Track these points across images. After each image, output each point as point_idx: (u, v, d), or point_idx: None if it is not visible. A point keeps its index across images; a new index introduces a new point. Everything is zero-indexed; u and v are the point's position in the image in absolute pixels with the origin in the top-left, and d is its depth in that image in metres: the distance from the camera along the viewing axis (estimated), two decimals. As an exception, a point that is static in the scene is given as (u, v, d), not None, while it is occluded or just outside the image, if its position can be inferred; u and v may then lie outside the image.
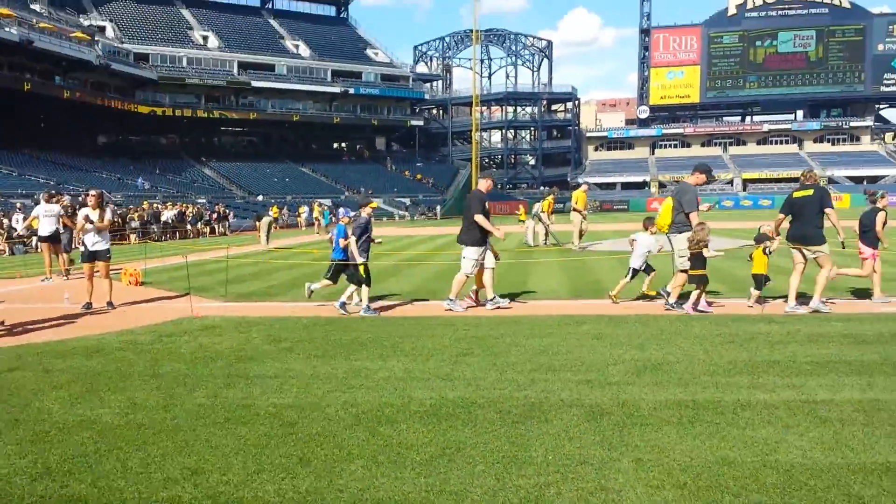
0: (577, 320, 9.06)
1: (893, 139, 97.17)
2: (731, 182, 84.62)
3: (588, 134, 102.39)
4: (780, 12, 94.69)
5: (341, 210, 15.13)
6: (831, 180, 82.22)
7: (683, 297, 9.87)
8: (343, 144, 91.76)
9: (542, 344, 7.65)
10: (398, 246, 25.06)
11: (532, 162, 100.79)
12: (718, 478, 4.05)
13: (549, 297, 11.40)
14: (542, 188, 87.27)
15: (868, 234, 10.25)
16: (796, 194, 9.46)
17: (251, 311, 10.43)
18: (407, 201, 71.55)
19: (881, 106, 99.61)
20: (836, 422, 4.94)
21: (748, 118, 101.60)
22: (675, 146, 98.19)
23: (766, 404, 5.37)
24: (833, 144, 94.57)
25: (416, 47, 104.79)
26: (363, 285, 9.93)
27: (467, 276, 10.10)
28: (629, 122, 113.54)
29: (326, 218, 36.84)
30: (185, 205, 43.00)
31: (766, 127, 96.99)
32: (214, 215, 42.81)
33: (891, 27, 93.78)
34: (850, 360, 6.65)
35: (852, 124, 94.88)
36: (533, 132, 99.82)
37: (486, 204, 10.07)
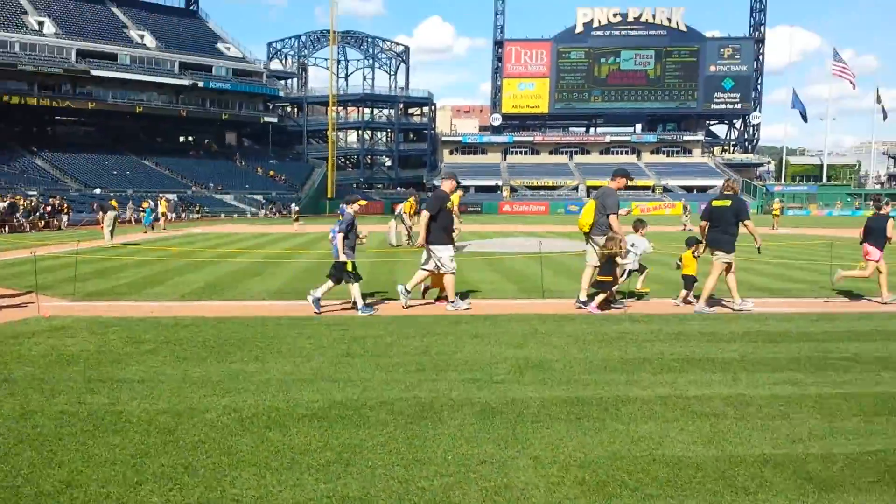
0: (453, 320, 9.11)
1: (721, 152, 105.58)
2: (576, 188, 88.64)
3: (443, 138, 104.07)
4: (622, 32, 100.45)
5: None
6: (666, 189, 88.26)
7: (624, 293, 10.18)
8: (191, 138, 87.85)
9: (422, 344, 7.60)
10: (256, 244, 24.26)
11: (388, 163, 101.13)
12: (613, 473, 4.16)
13: (420, 297, 11.39)
14: (399, 189, 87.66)
15: (877, 238, 10.91)
16: (715, 203, 10.04)
17: (104, 311, 9.68)
18: (260, 198, 69.55)
19: (711, 122, 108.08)
20: (710, 416, 5.22)
21: (592, 129, 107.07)
22: (526, 153, 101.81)
23: (644, 400, 5.60)
24: (668, 156, 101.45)
25: (270, 44, 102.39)
26: (353, 283, 9.58)
27: (453, 272, 10.11)
28: (483, 128, 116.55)
29: (148, 217, 34.58)
30: (17, 196, 39.51)
31: (608, 138, 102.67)
32: (49, 208, 39.61)
33: (722, 50, 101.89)
34: (713, 357, 7.09)
35: (685, 138, 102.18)
36: (389, 134, 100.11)
37: (448, 206, 10.15)
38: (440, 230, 9.98)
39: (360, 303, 9.57)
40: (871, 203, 12.63)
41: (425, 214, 9.97)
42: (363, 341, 7.74)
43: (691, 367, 6.64)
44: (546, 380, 6.18)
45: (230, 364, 6.66)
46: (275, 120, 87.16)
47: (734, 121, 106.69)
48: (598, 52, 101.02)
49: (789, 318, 9.45)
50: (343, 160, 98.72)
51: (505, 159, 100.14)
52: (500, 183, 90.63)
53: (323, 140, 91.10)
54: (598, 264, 9.92)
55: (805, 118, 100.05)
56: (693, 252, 10.65)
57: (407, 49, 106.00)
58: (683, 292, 10.67)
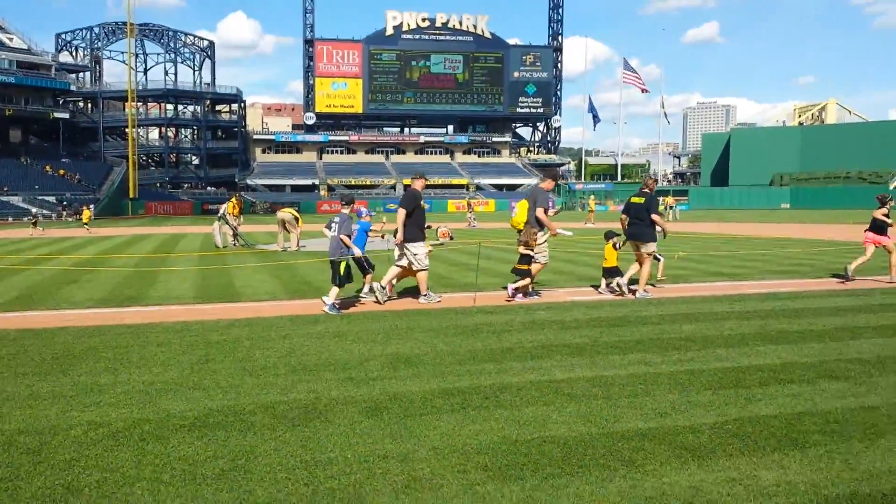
0: (311, 320, 8.93)
1: (527, 153, 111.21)
2: (393, 187, 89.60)
3: (255, 136, 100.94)
4: (431, 37, 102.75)
5: (363, 209, 14.44)
6: (479, 188, 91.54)
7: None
8: (-31, 135, 78.74)
9: (285, 345, 7.40)
10: (62, 248, 22.24)
11: (196, 161, 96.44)
12: (511, 456, 4.32)
13: (265, 298, 11.05)
14: (209, 189, 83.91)
15: (882, 227, 12.92)
16: (632, 199, 11.10)
17: None
18: (53, 199, 63.76)
19: (517, 124, 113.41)
20: (581, 398, 5.54)
21: (407, 130, 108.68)
22: (342, 152, 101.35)
23: (519, 386, 5.83)
24: (479, 156, 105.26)
25: (59, 35, 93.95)
26: (337, 285, 9.60)
27: (427, 268, 10.47)
28: (296, 127, 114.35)
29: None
30: None
31: (422, 139, 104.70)
32: None
33: (524, 57, 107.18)
34: (567, 343, 7.52)
35: (494, 139, 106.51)
36: (196, 132, 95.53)
37: (421, 203, 10.46)
38: (415, 227, 10.28)
39: (329, 300, 9.54)
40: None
41: (402, 212, 10.19)
42: (221, 346, 7.39)
43: (551, 354, 7.00)
44: (421, 374, 6.25)
45: (78, 377, 6.11)
46: (66, 116, 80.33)
47: (538, 124, 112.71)
48: (409, 55, 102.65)
49: (623, 303, 10.21)
50: (145, 158, 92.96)
51: (321, 158, 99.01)
52: (316, 182, 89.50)
53: (122, 137, 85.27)
54: (529, 254, 10.66)
55: (595, 123, 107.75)
56: (614, 245, 11.38)
57: (212, 44, 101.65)
58: (604, 280, 11.46)
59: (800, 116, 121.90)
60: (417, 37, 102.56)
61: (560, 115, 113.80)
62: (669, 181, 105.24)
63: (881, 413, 5.06)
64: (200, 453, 4.35)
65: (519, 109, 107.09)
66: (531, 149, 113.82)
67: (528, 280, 10.63)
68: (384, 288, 10.29)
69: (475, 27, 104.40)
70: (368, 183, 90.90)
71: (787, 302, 10.32)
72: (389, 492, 3.82)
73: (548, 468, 4.14)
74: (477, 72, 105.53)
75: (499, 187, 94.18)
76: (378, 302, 10.19)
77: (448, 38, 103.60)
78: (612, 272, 11.36)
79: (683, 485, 3.90)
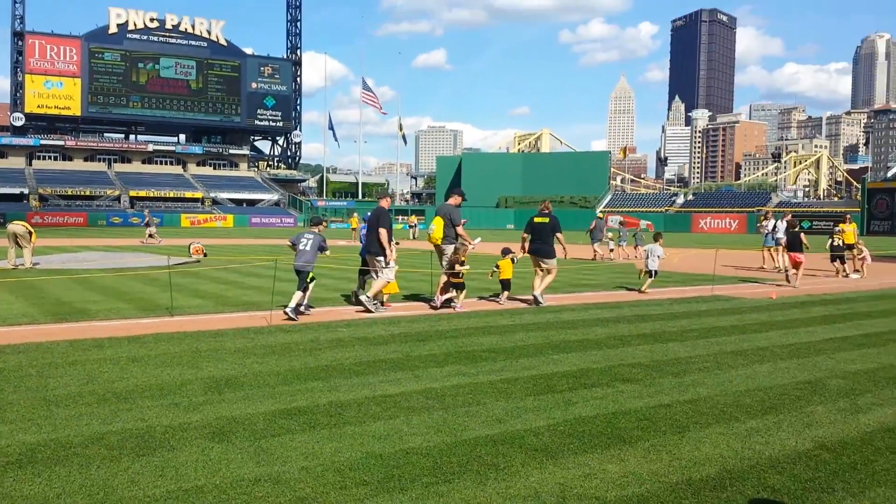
0: (92, 344, 8.11)
1: (266, 167, 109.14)
2: (118, 199, 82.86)
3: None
4: (161, 38, 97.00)
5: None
6: (215, 202, 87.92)
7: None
8: None
9: (80, 372, 6.70)
10: None
11: None
12: (384, 469, 4.40)
13: (23, 321, 9.80)
14: None
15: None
16: (536, 219, 12.49)
17: None
18: None
19: (256, 137, 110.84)
20: (421, 410, 5.74)
21: (133, 137, 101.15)
22: (57, 158, 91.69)
23: (358, 402, 5.89)
24: (215, 169, 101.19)
25: None
26: (302, 291, 10.62)
27: (391, 280, 11.37)
28: (1, 129, 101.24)
29: None
30: None
31: (151, 147, 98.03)
32: None
33: (262, 68, 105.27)
34: (383, 359, 7.68)
35: (231, 151, 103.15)
36: None
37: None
38: (391, 244, 11.37)
39: (292, 304, 10.43)
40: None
41: (384, 233, 11.16)
42: (2, 375, 6.47)
43: (373, 370, 7.12)
44: (250, 396, 6.05)
45: None
46: None
47: (277, 137, 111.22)
48: (136, 57, 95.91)
49: (417, 318, 10.60)
50: None
51: (31, 165, 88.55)
52: (25, 191, 79.79)
53: None
54: (451, 269, 11.68)
55: (336, 140, 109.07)
56: (511, 259, 12.84)
57: None
58: (505, 293, 12.73)
59: (519, 144, 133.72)
60: (145, 37, 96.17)
61: (300, 129, 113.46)
62: (407, 200, 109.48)
63: (676, 410, 5.89)
64: (48, 491, 3.88)
65: (258, 122, 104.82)
66: (270, 163, 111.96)
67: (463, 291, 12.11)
68: (371, 298, 11.15)
69: (209, 32, 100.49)
70: (88, 193, 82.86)
71: (557, 314, 11.40)
72: (279, 516, 3.72)
73: (424, 477, 4.28)
74: (212, 80, 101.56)
75: (237, 202, 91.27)
76: (369, 311, 11.04)
77: (180, 41, 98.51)
78: (506, 284, 12.77)
79: (550, 482, 4.26)
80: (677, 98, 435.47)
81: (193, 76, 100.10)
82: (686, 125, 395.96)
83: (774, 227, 20.59)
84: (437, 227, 12.03)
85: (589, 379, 6.89)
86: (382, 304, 11.49)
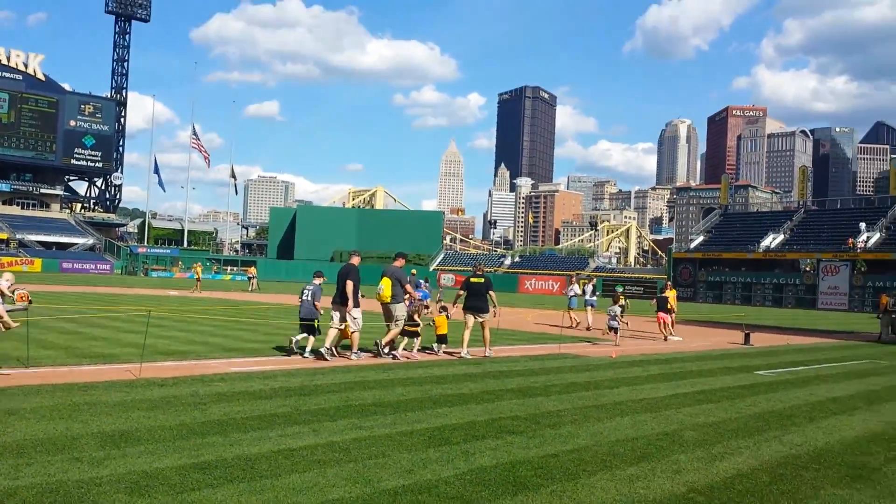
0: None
1: (81, 209, 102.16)
2: None
3: None
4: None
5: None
6: (22, 244, 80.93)
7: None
8: None
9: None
10: None
11: None
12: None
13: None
14: None
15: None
16: (472, 280, 14.22)
17: None
18: None
19: (71, 177, 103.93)
20: (330, 462, 5.90)
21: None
22: None
23: (266, 455, 5.95)
24: (23, 209, 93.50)
25: None
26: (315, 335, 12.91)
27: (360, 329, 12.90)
28: None
29: None
30: None
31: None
32: None
33: (83, 106, 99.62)
34: (274, 412, 7.69)
35: (43, 191, 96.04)
36: None
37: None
38: (356, 295, 12.62)
39: (326, 344, 12.57)
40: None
41: (351, 284, 12.49)
42: None
43: (268, 424, 7.15)
44: (152, 450, 5.93)
45: None
46: None
47: (95, 178, 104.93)
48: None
49: (291, 373, 10.59)
50: None
51: None
52: None
53: None
54: (407, 320, 13.38)
55: (162, 185, 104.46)
56: (446, 316, 14.34)
57: None
58: (442, 346, 14.29)
59: (354, 199, 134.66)
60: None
61: (122, 171, 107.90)
62: (236, 251, 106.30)
63: (564, 459, 6.43)
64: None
65: (75, 161, 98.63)
66: (86, 205, 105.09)
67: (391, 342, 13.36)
68: (330, 349, 12.56)
69: (26, 66, 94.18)
70: None
71: (427, 370, 11.80)
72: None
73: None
74: (26, 114, 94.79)
75: (47, 245, 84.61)
76: (325, 359, 12.30)
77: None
78: (443, 338, 14.24)
79: (477, 526, 4.61)
80: (503, 165, 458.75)
81: (5, 109, 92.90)
82: (511, 191, 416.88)
83: (583, 290, 23.79)
84: (385, 287, 13.07)
85: (478, 431, 7.32)
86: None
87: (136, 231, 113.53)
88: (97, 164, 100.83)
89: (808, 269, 64.82)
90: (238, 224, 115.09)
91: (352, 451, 6.26)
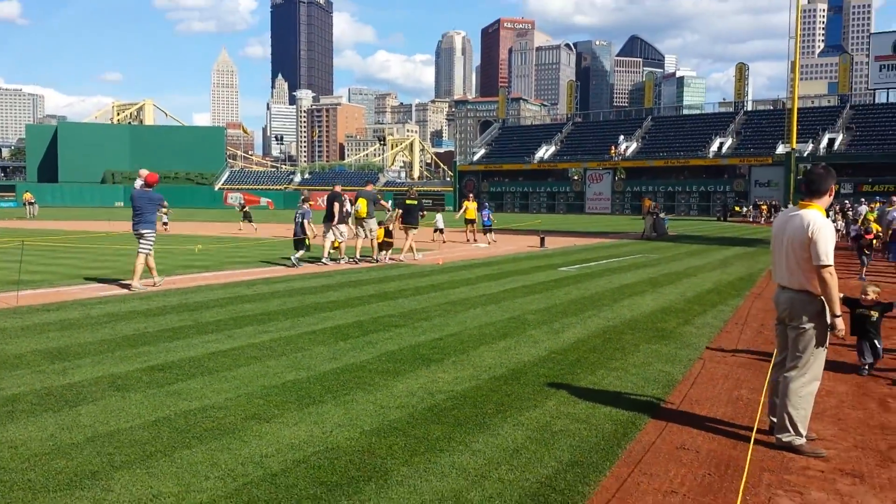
0: None
1: None
2: None
3: None
4: None
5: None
6: None
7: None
8: None
9: None
10: None
11: None
12: (295, 391, 5.72)
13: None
14: None
15: None
16: (407, 202, 18.29)
17: None
18: None
19: None
20: (266, 358, 6.98)
21: None
22: None
23: (198, 358, 6.89)
24: None
25: None
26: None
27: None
28: None
29: None
30: None
31: None
32: None
33: None
34: (209, 321, 8.46)
35: None
36: None
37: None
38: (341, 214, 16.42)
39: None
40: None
41: (338, 206, 16.26)
42: None
43: (185, 335, 7.97)
44: (101, 360, 6.67)
45: None
46: None
47: None
48: None
49: (169, 293, 11.11)
50: None
51: None
52: None
53: None
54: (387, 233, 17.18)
55: None
56: (386, 230, 17.34)
57: None
58: (384, 252, 17.48)
59: (119, 115, 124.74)
60: None
61: None
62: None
63: (447, 341, 7.99)
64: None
65: None
66: None
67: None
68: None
69: None
70: None
71: (288, 283, 12.79)
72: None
73: (327, 395, 5.71)
74: None
75: None
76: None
77: None
78: (384, 245, 17.25)
79: (412, 388, 6.02)
80: (280, 76, 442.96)
81: None
82: (291, 104, 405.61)
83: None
84: (362, 205, 16.48)
85: (368, 327, 8.66)
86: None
87: None
88: None
89: (576, 177, 71.51)
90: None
91: (276, 349, 7.38)
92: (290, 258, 15.85)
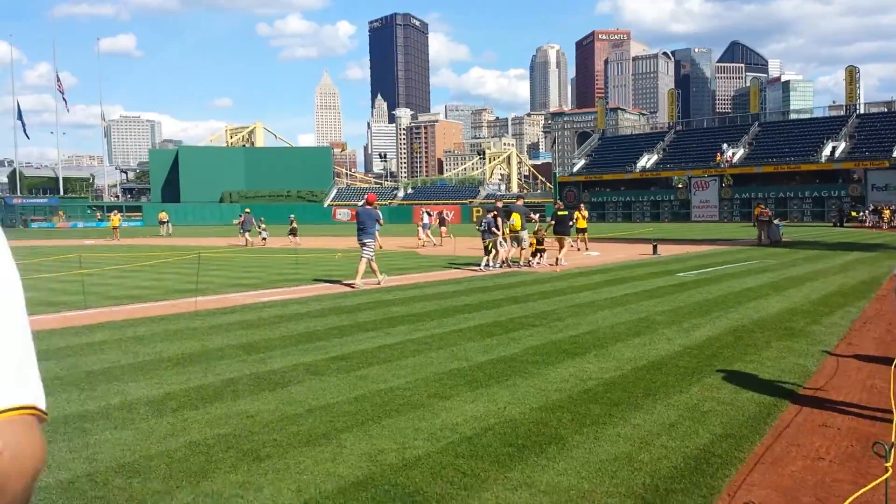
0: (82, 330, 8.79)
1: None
2: None
3: None
4: None
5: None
6: None
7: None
8: None
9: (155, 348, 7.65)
10: None
11: None
12: (465, 376, 6.52)
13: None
14: None
15: None
16: (559, 212, 20.01)
17: None
18: None
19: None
20: (428, 351, 7.83)
21: None
22: None
23: (370, 351, 7.80)
24: None
25: None
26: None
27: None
28: None
29: None
30: None
31: None
32: None
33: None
34: (365, 321, 9.48)
35: None
36: None
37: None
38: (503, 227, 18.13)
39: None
40: None
41: (508, 221, 18.08)
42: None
43: (348, 332, 8.95)
44: (288, 353, 7.66)
45: None
46: None
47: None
48: None
49: (323, 297, 12.28)
50: None
51: None
52: None
53: None
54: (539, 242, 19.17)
55: (25, 129, 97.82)
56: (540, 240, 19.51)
57: None
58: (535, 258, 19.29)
59: (231, 137, 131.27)
60: None
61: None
62: (118, 196, 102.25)
63: (584, 338, 8.65)
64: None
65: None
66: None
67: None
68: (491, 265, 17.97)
69: None
70: None
71: (421, 290, 13.76)
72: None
73: (489, 381, 6.49)
74: None
75: None
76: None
77: None
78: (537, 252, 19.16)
79: (567, 374, 6.72)
80: (380, 96, 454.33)
81: None
82: (390, 122, 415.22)
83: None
84: (517, 219, 18.01)
85: (507, 326, 9.43)
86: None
87: (6, 182, 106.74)
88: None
89: (680, 185, 70.36)
90: (116, 168, 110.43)
91: (433, 344, 8.24)
92: (480, 264, 18.17)
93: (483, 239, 18.43)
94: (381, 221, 14.49)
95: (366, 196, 15.33)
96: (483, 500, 3.87)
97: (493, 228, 17.92)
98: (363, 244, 14.23)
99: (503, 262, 18.23)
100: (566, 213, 20.32)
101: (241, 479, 4.18)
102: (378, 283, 14.30)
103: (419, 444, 4.76)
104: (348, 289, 13.99)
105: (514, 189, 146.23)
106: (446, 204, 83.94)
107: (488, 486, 4.07)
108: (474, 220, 29.93)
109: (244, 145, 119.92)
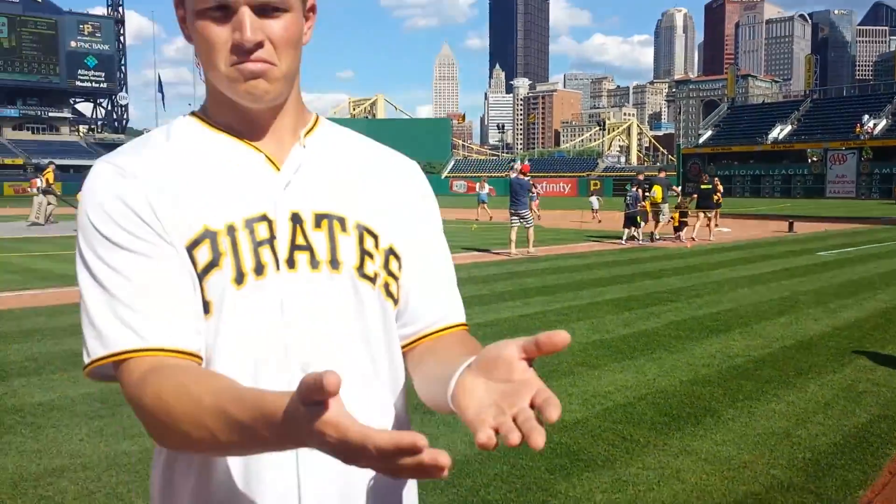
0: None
1: (89, 132, 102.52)
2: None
3: None
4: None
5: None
6: (39, 168, 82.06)
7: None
8: None
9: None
10: None
11: None
12: (609, 346, 6.69)
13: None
14: None
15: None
16: (702, 186, 19.74)
17: None
18: None
19: (77, 99, 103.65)
20: (569, 322, 8.04)
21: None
22: None
23: (533, 315, 8.07)
24: (34, 133, 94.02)
25: None
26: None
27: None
28: None
29: None
30: None
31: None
32: None
33: (82, 26, 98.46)
34: (513, 290, 9.83)
35: (51, 114, 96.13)
36: None
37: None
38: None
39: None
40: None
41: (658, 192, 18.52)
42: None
43: (519, 297, 9.29)
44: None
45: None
46: None
47: (101, 99, 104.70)
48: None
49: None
50: None
51: None
52: None
53: None
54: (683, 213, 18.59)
55: (164, 102, 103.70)
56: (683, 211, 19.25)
57: None
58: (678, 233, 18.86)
59: (354, 109, 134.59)
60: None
61: (127, 91, 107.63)
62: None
63: (727, 315, 8.61)
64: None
65: (79, 83, 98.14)
66: (94, 127, 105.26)
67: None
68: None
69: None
70: None
71: (554, 261, 13.98)
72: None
73: (636, 352, 6.63)
74: (26, 37, 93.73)
75: (63, 168, 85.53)
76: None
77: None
78: (677, 228, 18.65)
79: (711, 351, 6.76)
80: (498, 66, 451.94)
81: (5, 34, 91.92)
82: (507, 93, 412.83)
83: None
84: (658, 191, 18.34)
85: (644, 301, 9.49)
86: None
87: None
88: (102, 85, 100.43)
89: (815, 158, 66.52)
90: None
91: (571, 315, 8.44)
92: (626, 237, 17.98)
93: (626, 210, 18.13)
94: (536, 191, 14.85)
95: (520, 166, 15.61)
96: (647, 465, 4.08)
97: (639, 204, 17.98)
98: (520, 215, 14.63)
99: (651, 236, 18.30)
100: (709, 186, 19.69)
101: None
102: (528, 252, 14.64)
103: (574, 409, 5.01)
104: (484, 258, 14.36)
105: (634, 161, 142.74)
106: (563, 177, 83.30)
107: (649, 452, 4.27)
108: (589, 193, 30.38)
109: (366, 117, 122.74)
